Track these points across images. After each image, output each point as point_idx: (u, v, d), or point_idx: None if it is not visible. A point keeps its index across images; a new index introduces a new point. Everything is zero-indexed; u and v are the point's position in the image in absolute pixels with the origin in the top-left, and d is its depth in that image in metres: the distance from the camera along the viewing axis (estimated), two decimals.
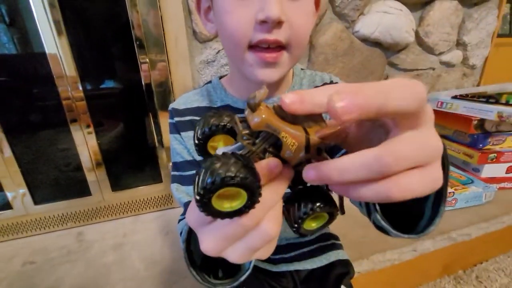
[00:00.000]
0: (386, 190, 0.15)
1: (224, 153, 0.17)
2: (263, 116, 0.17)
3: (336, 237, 0.60)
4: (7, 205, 0.88)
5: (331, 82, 0.48)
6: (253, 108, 0.17)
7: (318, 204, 0.20)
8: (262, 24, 0.32)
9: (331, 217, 0.21)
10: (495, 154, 0.98)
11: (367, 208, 0.27)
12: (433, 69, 1.17)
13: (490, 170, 1.00)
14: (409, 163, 0.15)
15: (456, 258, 0.88)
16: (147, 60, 0.84)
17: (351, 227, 0.80)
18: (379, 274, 0.74)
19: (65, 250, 0.80)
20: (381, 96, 0.13)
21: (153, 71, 0.86)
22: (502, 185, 1.01)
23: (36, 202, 0.89)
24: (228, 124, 0.20)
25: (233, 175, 0.15)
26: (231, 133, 0.21)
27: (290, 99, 0.15)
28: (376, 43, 1.04)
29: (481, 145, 0.98)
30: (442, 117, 1.10)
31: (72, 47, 0.79)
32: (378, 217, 0.25)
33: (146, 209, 0.99)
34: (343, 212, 0.22)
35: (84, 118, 0.86)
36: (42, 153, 0.88)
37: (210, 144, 0.21)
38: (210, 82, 0.50)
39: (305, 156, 0.18)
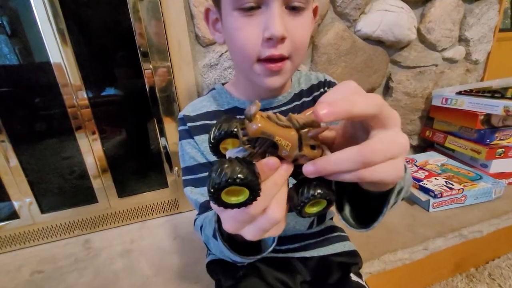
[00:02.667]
0: (364, 174, 0.20)
1: (230, 158, 0.21)
2: (259, 125, 0.20)
3: (341, 230, 0.61)
4: (14, 215, 0.88)
5: (325, 80, 0.52)
6: (250, 119, 0.21)
7: (318, 191, 0.24)
8: (268, 41, 0.36)
9: (329, 203, 0.25)
10: (503, 149, 0.97)
11: (339, 205, 0.33)
12: (436, 65, 1.16)
13: (498, 165, 0.99)
14: (383, 155, 0.20)
15: (468, 255, 0.86)
16: (151, 66, 0.84)
17: None
18: (391, 274, 0.73)
19: (73, 258, 0.80)
20: (348, 105, 0.19)
21: (157, 77, 0.86)
22: (511, 180, 1.00)
23: (42, 210, 0.89)
24: (234, 130, 0.23)
25: (235, 176, 0.19)
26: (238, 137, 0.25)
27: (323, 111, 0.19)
28: (378, 42, 1.04)
29: (488, 141, 0.97)
30: (447, 114, 1.10)
31: (76, 55, 0.80)
32: (347, 213, 0.33)
33: (153, 214, 0.98)
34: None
35: (89, 125, 0.86)
36: (48, 161, 0.88)
37: (221, 146, 0.25)
38: (213, 89, 0.53)
39: (300, 153, 0.22)
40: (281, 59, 0.38)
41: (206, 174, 0.47)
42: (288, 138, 0.21)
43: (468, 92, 1.05)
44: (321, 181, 0.24)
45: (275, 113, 0.22)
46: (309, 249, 0.55)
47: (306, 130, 0.22)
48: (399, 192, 0.30)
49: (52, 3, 0.73)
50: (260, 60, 0.39)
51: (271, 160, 0.22)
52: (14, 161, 0.83)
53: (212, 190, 0.20)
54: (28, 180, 0.86)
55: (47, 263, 0.78)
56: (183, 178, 0.50)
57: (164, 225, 0.93)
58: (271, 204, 0.23)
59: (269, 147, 0.22)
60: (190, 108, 0.51)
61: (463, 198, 0.88)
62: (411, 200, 0.93)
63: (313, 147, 0.23)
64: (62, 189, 0.91)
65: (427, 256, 0.77)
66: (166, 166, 0.97)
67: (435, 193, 0.86)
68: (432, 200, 0.86)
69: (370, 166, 0.20)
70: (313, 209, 0.25)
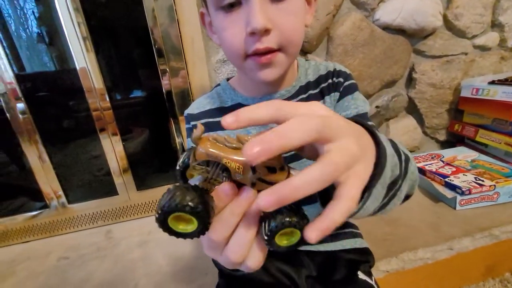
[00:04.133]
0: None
1: (186, 185, 0.20)
2: (202, 148, 0.20)
3: (354, 226, 0.58)
4: (45, 206, 0.95)
5: (335, 70, 0.49)
6: (195, 143, 0.20)
7: (286, 219, 0.20)
8: (252, 35, 0.35)
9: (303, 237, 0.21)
10: None
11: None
12: (466, 54, 1.08)
13: None
14: (344, 165, 0.19)
15: (502, 258, 0.79)
16: (167, 68, 0.87)
17: (376, 223, 0.76)
18: (411, 274, 0.68)
19: (95, 247, 0.84)
20: (280, 140, 0.17)
21: (173, 77, 0.89)
22: None
23: (69, 202, 0.96)
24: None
25: (185, 203, 0.18)
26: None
27: (226, 121, 0.18)
28: (399, 31, 0.99)
29: None
30: (478, 105, 1.01)
31: (99, 61, 0.85)
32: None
33: None
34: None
35: (111, 126, 0.91)
36: (75, 159, 0.95)
37: (189, 172, 0.24)
38: (219, 85, 0.53)
39: (256, 176, 0.20)
40: (270, 51, 0.37)
41: None
42: (237, 160, 0.19)
43: (503, 82, 0.96)
44: (291, 207, 0.22)
45: (225, 136, 0.21)
46: (316, 243, 0.53)
47: None
48: (392, 186, 0.27)
49: (77, 11, 0.79)
50: (248, 56, 0.38)
51: (226, 186, 0.20)
52: (46, 159, 0.91)
53: (158, 212, 0.19)
54: (57, 176, 0.94)
55: (72, 250, 0.84)
56: None
57: None
58: (229, 243, 0.22)
59: (223, 171, 0.21)
60: (195, 105, 0.52)
61: (495, 196, 0.80)
62: (436, 198, 0.87)
63: (272, 170, 0.20)
64: (86, 183, 0.97)
65: (452, 257, 0.71)
66: None
67: (463, 189, 0.79)
68: (459, 197, 0.80)
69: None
70: (284, 242, 0.22)
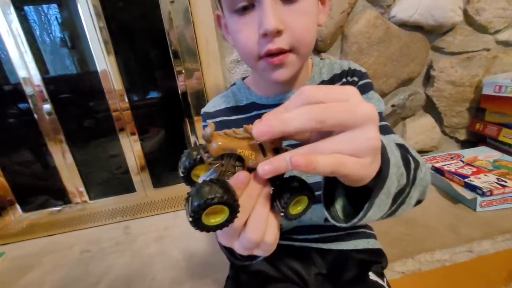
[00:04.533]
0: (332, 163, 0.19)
1: (204, 181, 0.21)
2: (218, 143, 0.21)
3: (367, 226, 0.58)
4: (68, 202, 1.00)
5: (349, 69, 0.49)
6: (209, 140, 0.21)
7: (295, 188, 0.24)
8: (265, 37, 0.36)
9: (310, 199, 0.25)
10: None
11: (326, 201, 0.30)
12: (488, 50, 1.03)
13: None
14: (338, 120, 0.19)
15: None
16: (182, 69, 0.90)
17: (392, 223, 0.74)
18: (427, 276, 0.67)
19: (114, 241, 0.88)
20: (283, 124, 0.19)
21: (188, 79, 0.91)
22: None
23: (90, 198, 1.00)
24: (198, 156, 0.24)
25: (213, 196, 0.20)
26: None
27: (258, 130, 0.20)
28: (416, 27, 0.96)
29: None
30: (502, 103, 0.97)
31: (118, 63, 0.88)
32: (339, 207, 0.30)
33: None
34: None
35: (130, 126, 0.95)
36: (95, 158, 1.00)
37: (193, 173, 0.26)
38: (234, 84, 0.55)
39: (267, 158, 0.22)
40: (282, 52, 0.38)
41: None
42: (250, 147, 0.22)
43: None
44: (296, 180, 0.24)
45: (232, 130, 0.23)
46: (327, 241, 0.53)
47: None
48: (399, 195, 0.27)
49: (98, 17, 0.83)
50: (261, 57, 0.39)
51: (241, 174, 0.22)
52: (69, 158, 0.96)
53: (192, 214, 0.20)
54: (80, 173, 0.98)
55: (93, 244, 0.88)
56: None
57: None
58: (248, 223, 0.23)
59: (236, 161, 0.23)
60: (211, 104, 0.53)
61: None
62: (455, 198, 0.85)
63: (277, 150, 0.23)
64: (107, 181, 1.02)
65: (472, 259, 0.69)
66: None
67: (484, 190, 0.76)
68: (479, 199, 0.77)
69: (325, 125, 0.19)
70: (298, 209, 0.25)
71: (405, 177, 0.27)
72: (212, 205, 0.20)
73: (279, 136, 0.20)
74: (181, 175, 0.25)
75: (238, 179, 0.22)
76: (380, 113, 0.46)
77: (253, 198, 0.22)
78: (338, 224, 0.28)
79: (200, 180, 0.23)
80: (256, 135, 0.19)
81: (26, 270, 0.79)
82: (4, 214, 0.97)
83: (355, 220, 0.26)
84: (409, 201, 0.30)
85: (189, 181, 0.26)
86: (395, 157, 0.26)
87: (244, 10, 0.37)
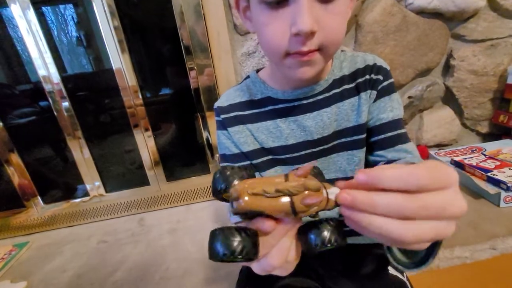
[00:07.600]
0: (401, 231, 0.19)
1: (235, 229, 0.21)
2: (242, 204, 0.21)
3: None
4: (86, 195, 1.04)
5: (374, 65, 0.45)
6: (235, 199, 0.21)
7: (332, 238, 0.22)
8: (296, 36, 0.34)
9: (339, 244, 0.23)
10: None
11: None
12: None
13: None
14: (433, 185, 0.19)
15: None
16: (194, 66, 0.91)
17: None
18: (446, 273, 0.64)
19: (129, 232, 0.90)
20: (369, 206, 0.19)
21: (199, 75, 0.92)
22: None
23: (107, 191, 1.04)
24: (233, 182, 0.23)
25: (240, 250, 0.20)
26: None
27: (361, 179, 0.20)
28: (435, 14, 0.92)
29: None
30: None
31: (132, 61, 0.90)
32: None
33: (197, 198, 1.05)
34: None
35: (143, 122, 0.97)
36: (111, 153, 1.03)
37: (224, 195, 0.25)
38: (248, 77, 0.52)
39: (297, 217, 0.21)
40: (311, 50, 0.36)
41: (240, 163, 0.47)
42: (278, 209, 0.21)
43: None
44: (333, 222, 0.23)
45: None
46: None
47: (300, 195, 0.21)
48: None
49: (113, 16, 0.84)
50: (288, 54, 0.37)
51: (266, 225, 0.21)
52: (86, 152, 0.99)
53: (214, 260, 0.21)
54: (97, 168, 1.02)
55: (110, 235, 0.91)
56: (221, 164, 0.50)
57: (207, 208, 0.98)
58: (272, 251, 0.22)
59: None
60: (224, 98, 0.51)
61: None
62: (476, 193, 0.81)
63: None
64: (122, 175, 1.05)
65: (495, 257, 0.66)
66: (208, 154, 1.02)
67: (508, 185, 0.72)
68: (503, 194, 0.73)
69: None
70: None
71: None
72: (236, 261, 0.20)
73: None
74: (214, 197, 0.25)
75: (262, 228, 0.22)
76: (400, 120, 0.44)
77: (276, 239, 0.22)
78: (402, 268, 0.28)
79: (231, 219, 0.23)
80: (340, 199, 0.20)
81: (49, 258, 0.83)
82: (28, 206, 1.02)
83: (423, 267, 0.26)
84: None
85: (222, 199, 0.25)
86: None
87: (277, 3, 0.34)
